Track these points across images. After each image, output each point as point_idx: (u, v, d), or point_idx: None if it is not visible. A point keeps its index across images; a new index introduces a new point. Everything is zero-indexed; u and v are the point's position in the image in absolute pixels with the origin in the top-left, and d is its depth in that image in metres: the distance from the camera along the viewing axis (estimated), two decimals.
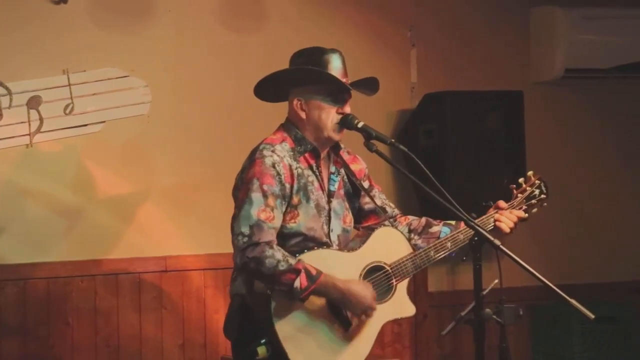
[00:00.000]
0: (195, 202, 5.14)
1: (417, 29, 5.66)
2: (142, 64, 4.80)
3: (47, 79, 3.99)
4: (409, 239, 3.82)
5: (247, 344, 3.50)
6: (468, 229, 3.70)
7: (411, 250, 3.74)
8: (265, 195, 3.50)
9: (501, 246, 3.24)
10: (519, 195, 3.89)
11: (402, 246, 3.75)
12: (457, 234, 3.77)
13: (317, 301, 3.52)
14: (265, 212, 3.49)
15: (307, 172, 3.67)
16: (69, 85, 3.99)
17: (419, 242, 3.85)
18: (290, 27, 5.30)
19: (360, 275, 3.64)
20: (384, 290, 3.67)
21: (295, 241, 3.60)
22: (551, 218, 5.70)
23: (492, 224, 3.79)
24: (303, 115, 3.67)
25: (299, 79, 3.67)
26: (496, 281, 3.44)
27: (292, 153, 3.64)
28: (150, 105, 4.16)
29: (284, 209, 3.57)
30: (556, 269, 5.31)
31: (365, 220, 3.92)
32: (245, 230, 3.46)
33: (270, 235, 3.48)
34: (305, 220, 3.61)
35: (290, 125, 3.71)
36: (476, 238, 3.32)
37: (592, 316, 3.19)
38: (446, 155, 5.33)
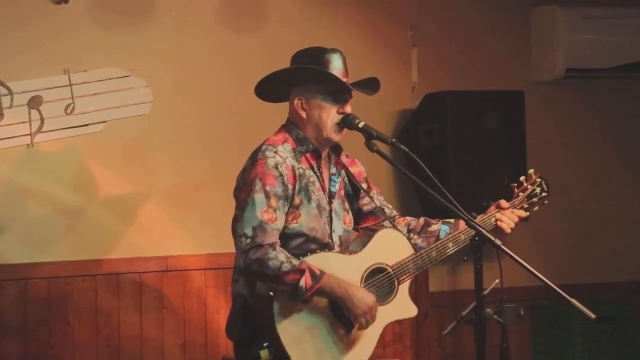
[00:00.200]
0: (195, 202, 5.14)
1: (418, 29, 5.66)
2: (142, 64, 4.80)
3: (48, 78, 3.98)
4: (409, 239, 3.82)
5: (249, 346, 3.50)
6: (469, 229, 3.70)
7: (413, 252, 3.74)
8: (268, 196, 3.50)
9: (502, 246, 3.24)
10: (520, 193, 3.89)
11: (403, 247, 3.75)
12: (458, 234, 3.77)
13: (320, 303, 3.52)
14: (268, 213, 3.48)
15: (309, 172, 3.66)
16: (70, 85, 3.98)
17: (419, 241, 3.85)
18: (291, 27, 5.30)
19: (363, 277, 3.63)
20: (386, 292, 3.66)
21: (298, 242, 3.59)
22: (551, 218, 5.70)
23: (493, 223, 3.79)
24: (303, 114, 3.67)
25: (299, 78, 3.67)
26: (497, 281, 3.44)
27: (293, 154, 3.64)
28: (151, 105, 4.16)
29: (286, 210, 3.56)
30: (556, 269, 5.31)
31: (363, 221, 3.92)
32: (248, 231, 3.45)
33: (273, 237, 3.47)
34: (307, 221, 3.61)
35: (291, 126, 3.71)
36: (477, 238, 3.32)
37: (593, 316, 3.19)
38: (447, 155, 5.33)
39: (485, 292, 3.35)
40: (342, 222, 3.76)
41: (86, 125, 4.04)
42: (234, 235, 3.56)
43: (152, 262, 5.05)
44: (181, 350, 5.08)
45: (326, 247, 3.65)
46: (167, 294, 5.07)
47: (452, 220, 3.84)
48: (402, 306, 3.71)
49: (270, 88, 3.73)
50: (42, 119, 3.95)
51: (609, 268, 6.04)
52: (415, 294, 5.19)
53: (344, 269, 3.58)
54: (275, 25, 5.32)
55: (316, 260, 3.52)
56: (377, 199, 3.90)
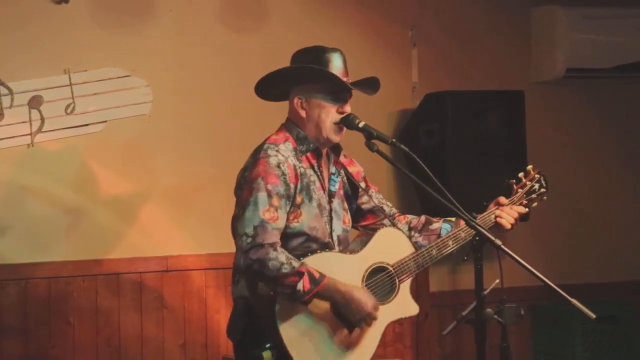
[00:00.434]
0: (196, 201, 5.14)
1: (418, 29, 5.66)
2: (143, 64, 4.80)
3: (48, 78, 3.99)
4: (410, 237, 3.82)
5: (250, 347, 3.49)
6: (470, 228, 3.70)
7: (413, 250, 3.74)
8: (269, 195, 3.49)
9: (502, 246, 3.24)
10: (519, 190, 3.89)
11: (404, 246, 3.74)
12: (458, 232, 3.76)
13: (321, 304, 3.51)
14: (269, 212, 3.47)
15: (309, 171, 3.66)
16: (70, 85, 3.99)
17: (420, 239, 3.85)
18: (291, 27, 5.30)
19: (364, 277, 3.63)
20: (387, 291, 3.66)
21: (298, 241, 3.59)
22: (551, 218, 5.71)
23: (493, 220, 3.78)
24: (303, 113, 3.67)
25: (300, 77, 3.66)
26: (497, 281, 3.45)
27: (294, 153, 3.64)
28: (151, 105, 4.16)
29: (287, 209, 3.55)
30: (556, 269, 5.31)
31: (363, 220, 3.92)
32: (249, 231, 3.44)
33: (274, 237, 3.46)
34: (308, 220, 3.60)
35: (291, 125, 3.70)
36: (477, 238, 3.32)
37: (594, 316, 3.19)
38: (447, 155, 5.33)
39: (486, 292, 3.35)
40: (342, 222, 3.76)
41: (86, 125, 4.05)
42: (234, 234, 3.55)
43: (153, 262, 5.05)
44: (181, 350, 5.08)
45: (326, 246, 3.65)
46: (167, 294, 5.07)
47: (453, 219, 3.84)
48: (403, 305, 3.71)
49: (271, 87, 3.72)
50: (42, 119, 3.95)
51: (609, 268, 6.04)
52: (416, 294, 5.17)
53: (344, 269, 3.58)
54: (275, 25, 5.32)
55: (317, 261, 3.52)
56: (375, 197, 3.89)
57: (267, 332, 3.46)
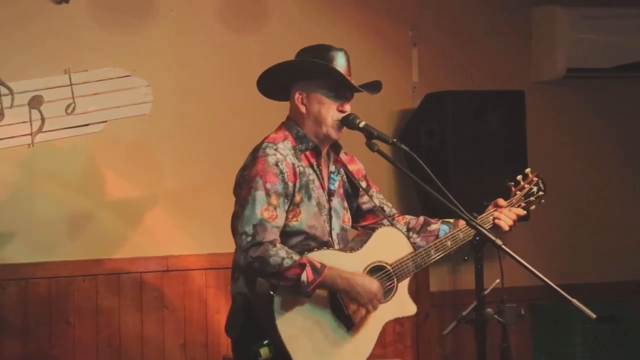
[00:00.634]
0: (196, 201, 5.14)
1: (419, 29, 5.66)
2: (143, 64, 4.80)
3: (48, 78, 3.98)
4: (408, 238, 3.82)
5: (248, 343, 3.50)
6: (468, 228, 3.71)
7: (412, 250, 3.74)
8: (268, 194, 3.49)
9: (503, 246, 3.24)
10: (518, 192, 3.89)
11: (403, 246, 3.75)
12: (456, 233, 3.77)
13: (320, 301, 3.52)
14: (268, 210, 3.48)
15: (308, 170, 3.66)
16: (71, 85, 3.99)
17: (418, 240, 3.86)
18: (292, 27, 5.30)
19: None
20: (385, 290, 3.66)
21: (297, 240, 3.60)
22: (551, 218, 5.71)
23: (491, 222, 3.79)
24: (303, 109, 3.67)
25: (302, 72, 3.66)
26: (497, 281, 3.45)
27: (293, 151, 3.64)
28: (152, 105, 4.16)
29: (286, 208, 3.56)
30: (556, 269, 5.31)
31: (363, 220, 3.93)
32: (249, 229, 3.44)
33: (273, 235, 3.47)
34: (307, 219, 3.61)
35: (291, 123, 3.70)
36: (477, 238, 3.32)
37: (594, 316, 3.19)
38: (447, 155, 5.33)
39: (486, 292, 3.35)
40: (341, 221, 3.77)
41: (87, 125, 4.05)
42: (234, 232, 3.56)
43: (153, 262, 5.05)
44: (182, 350, 5.08)
45: (326, 245, 3.65)
46: (167, 294, 5.07)
47: (451, 220, 3.85)
48: (401, 304, 3.72)
49: (273, 83, 3.72)
50: (42, 119, 3.95)
51: (609, 268, 6.04)
52: (416, 294, 5.20)
53: (343, 267, 3.58)
54: (275, 25, 5.32)
55: (316, 258, 3.52)
56: (376, 197, 3.90)
57: (265, 328, 3.46)
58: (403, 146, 3.53)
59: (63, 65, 4.04)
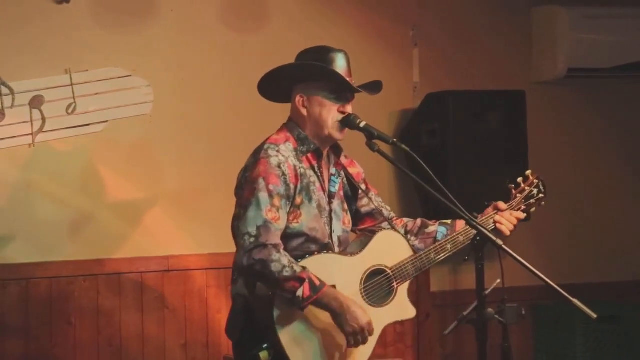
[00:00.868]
0: (197, 201, 5.14)
1: (420, 29, 5.66)
2: (144, 64, 4.80)
3: (49, 78, 3.99)
4: (407, 241, 3.82)
5: (249, 346, 3.50)
6: (468, 230, 3.72)
7: (412, 253, 3.74)
8: (271, 195, 3.49)
9: (503, 246, 3.24)
10: (518, 195, 3.89)
11: (403, 249, 3.75)
12: (457, 236, 3.77)
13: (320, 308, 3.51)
14: (271, 212, 3.47)
15: (310, 172, 3.66)
16: (72, 84, 3.99)
17: (416, 243, 3.85)
18: (292, 27, 5.30)
19: (362, 279, 3.63)
20: (385, 294, 3.66)
21: (298, 242, 3.59)
22: (552, 218, 5.70)
23: (492, 225, 3.79)
24: (304, 112, 3.67)
25: (303, 75, 3.66)
26: (498, 281, 3.44)
27: (295, 153, 3.64)
28: (152, 105, 4.16)
29: (288, 210, 3.55)
30: (557, 269, 5.32)
31: (361, 223, 3.92)
32: (252, 230, 3.44)
33: (277, 237, 3.46)
34: (307, 221, 3.61)
35: (293, 125, 3.70)
36: (478, 238, 3.32)
37: (595, 316, 3.19)
38: (448, 155, 5.33)
39: (487, 292, 3.34)
40: (342, 223, 3.76)
41: (87, 125, 4.05)
42: (235, 233, 3.54)
43: (154, 262, 5.05)
44: (182, 350, 5.09)
45: (326, 247, 3.65)
46: (168, 294, 5.07)
47: (449, 222, 3.85)
48: (400, 308, 3.71)
49: (274, 86, 3.72)
50: (43, 119, 3.95)
51: (609, 268, 6.04)
52: (417, 294, 5.22)
53: (343, 271, 3.58)
54: (276, 25, 5.32)
55: (316, 263, 3.52)
56: (375, 200, 3.89)
57: (264, 331, 3.46)
58: (403, 146, 3.53)
59: (64, 65, 4.04)
